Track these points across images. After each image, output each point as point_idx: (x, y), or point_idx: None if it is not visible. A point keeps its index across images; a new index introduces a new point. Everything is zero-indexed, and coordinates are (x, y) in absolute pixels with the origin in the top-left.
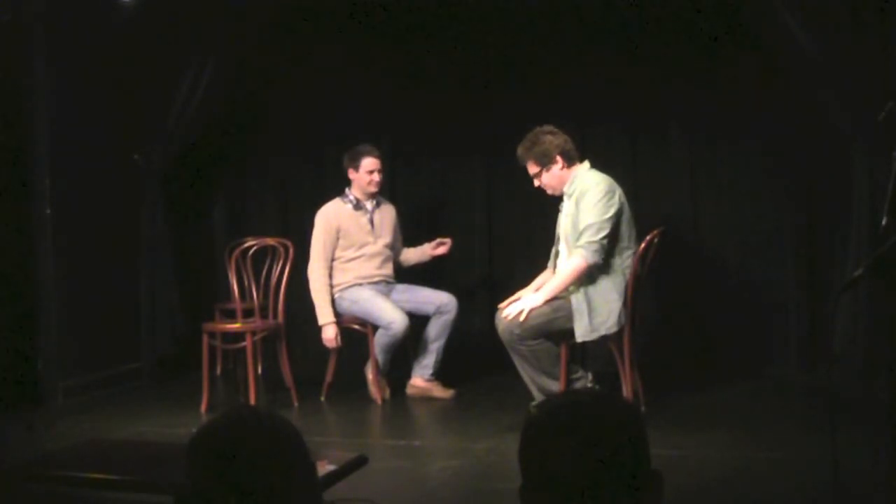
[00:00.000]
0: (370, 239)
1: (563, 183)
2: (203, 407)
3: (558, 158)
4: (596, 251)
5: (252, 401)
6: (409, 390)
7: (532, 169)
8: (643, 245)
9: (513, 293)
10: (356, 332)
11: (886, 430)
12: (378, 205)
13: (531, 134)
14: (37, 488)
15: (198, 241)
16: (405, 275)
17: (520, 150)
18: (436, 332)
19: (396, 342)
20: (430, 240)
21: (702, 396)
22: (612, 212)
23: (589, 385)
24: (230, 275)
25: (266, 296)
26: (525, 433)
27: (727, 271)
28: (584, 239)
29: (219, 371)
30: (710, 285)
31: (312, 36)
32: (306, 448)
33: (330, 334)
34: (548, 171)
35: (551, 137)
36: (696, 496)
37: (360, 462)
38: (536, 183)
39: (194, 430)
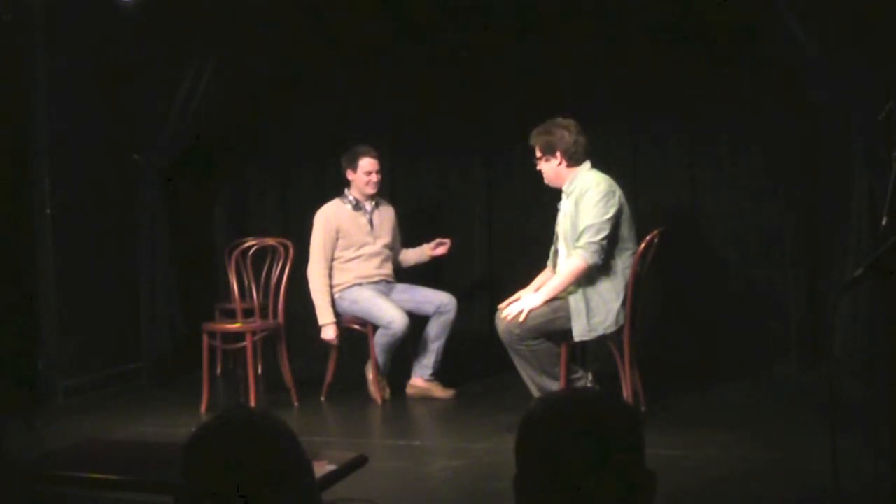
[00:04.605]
0: (369, 239)
1: (559, 178)
2: (203, 407)
3: (559, 155)
4: (595, 252)
5: (252, 401)
6: (409, 390)
7: (536, 152)
8: (643, 245)
9: (512, 293)
10: (356, 332)
11: (886, 430)
12: (377, 205)
13: (551, 121)
14: (37, 488)
15: (198, 241)
16: (405, 275)
17: (533, 131)
18: (435, 332)
19: (396, 342)
20: (429, 240)
21: (702, 396)
22: (611, 213)
23: (589, 385)
24: (230, 275)
25: (266, 296)
26: (523, 425)
27: (727, 271)
28: (583, 240)
29: (219, 371)
30: (710, 285)
31: (312, 36)
32: (301, 447)
33: (330, 334)
34: (547, 161)
35: (564, 133)
36: (696, 496)
37: (360, 462)
38: (538, 166)
39: (193, 430)
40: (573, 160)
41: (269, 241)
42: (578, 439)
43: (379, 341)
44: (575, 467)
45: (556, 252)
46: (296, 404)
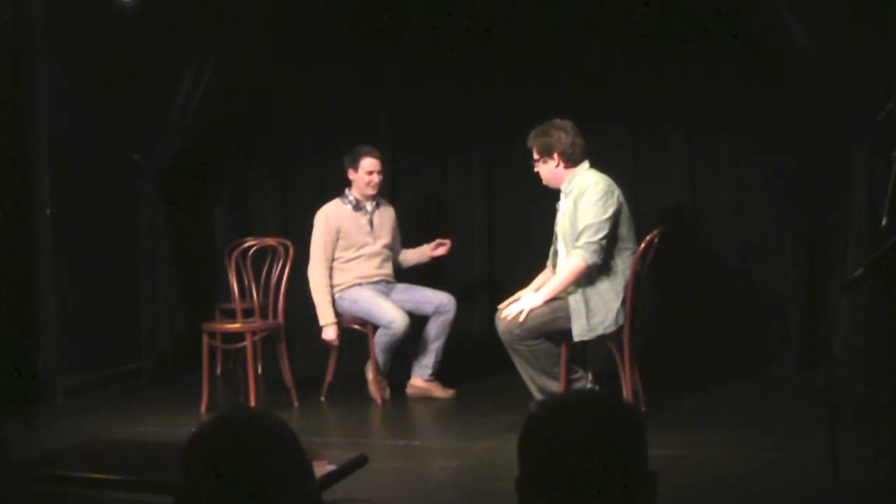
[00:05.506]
0: (369, 239)
1: (557, 179)
2: (203, 407)
3: (556, 156)
4: (595, 252)
5: (252, 401)
6: (408, 390)
7: (534, 154)
8: (643, 245)
9: (512, 293)
10: (356, 331)
11: (886, 430)
12: (378, 206)
13: (548, 123)
14: (37, 488)
15: (198, 241)
16: (405, 275)
17: (531, 133)
18: (435, 332)
19: (397, 342)
20: (429, 240)
21: (702, 396)
22: (610, 212)
23: (589, 385)
24: (230, 275)
25: (266, 296)
26: (526, 426)
27: (727, 271)
28: (582, 240)
29: (219, 371)
30: (710, 285)
31: (312, 36)
32: (301, 447)
33: (331, 334)
34: (545, 163)
35: (560, 134)
36: (696, 496)
37: (360, 462)
38: (535, 168)
39: (194, 430)
40: (571, 161)
41: (269, 241)
42: (581, 441)
43: (379, 341)
44: (577, 469)
45: (555, 252)
46: (296, 404)
